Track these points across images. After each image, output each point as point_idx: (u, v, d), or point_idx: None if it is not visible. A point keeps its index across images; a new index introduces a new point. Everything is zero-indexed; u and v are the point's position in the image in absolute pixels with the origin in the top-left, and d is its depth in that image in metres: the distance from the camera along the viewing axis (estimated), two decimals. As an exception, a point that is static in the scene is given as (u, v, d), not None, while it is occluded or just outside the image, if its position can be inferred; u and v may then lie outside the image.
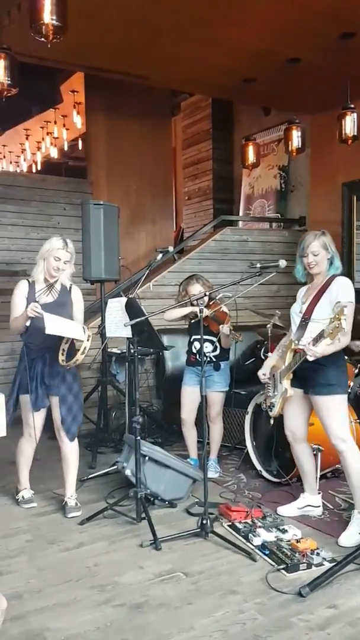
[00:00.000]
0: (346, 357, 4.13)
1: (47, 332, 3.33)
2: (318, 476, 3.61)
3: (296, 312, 3.34)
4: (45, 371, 3.55)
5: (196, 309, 3.93)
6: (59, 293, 3.56)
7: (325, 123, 6.00)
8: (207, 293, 3.64)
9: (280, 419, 3.56)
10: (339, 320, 2.81)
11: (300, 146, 5.50)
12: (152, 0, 4.01)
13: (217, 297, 3.85)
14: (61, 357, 3.52)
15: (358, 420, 4.15)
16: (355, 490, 3.19)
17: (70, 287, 3.65)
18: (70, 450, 3.65)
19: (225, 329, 3.94)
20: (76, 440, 3.67)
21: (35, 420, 3.57)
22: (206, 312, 3.89)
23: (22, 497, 3.76)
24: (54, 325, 3.39)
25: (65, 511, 3.58)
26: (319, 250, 3.22)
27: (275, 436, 4.11)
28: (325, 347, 3.03)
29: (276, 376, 3.43)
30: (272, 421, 3.61)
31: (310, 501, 3.55)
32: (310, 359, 3.06)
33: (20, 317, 3.48)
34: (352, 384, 4.21)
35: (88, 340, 3.49)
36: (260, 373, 3.57)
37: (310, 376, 3.22)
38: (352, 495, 3.24)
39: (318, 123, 6.47)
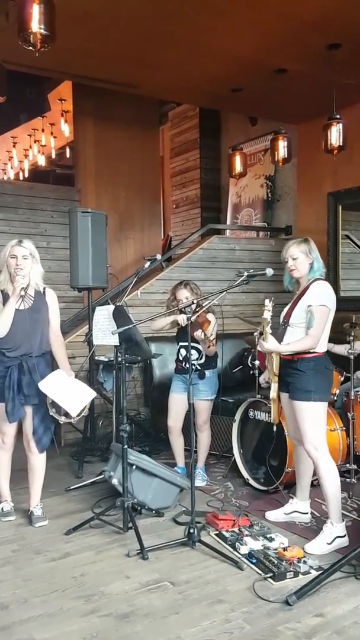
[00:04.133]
0: (332, 366, 4.18)
1: (41, 387, 3.40)
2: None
3: (281, 317, 3.42)
4: (23, 380, 3.45)
5: (179, 317, 3.97)
6: (33, 298, 3.51)
7: (312, 133, 6.06)
8: (195, 300, 3.65)
9: (271, 426, 3.59)
10: (264, 312, 3.07)
11: (286, 156, 5.54)
12: (141, 10, 4.04)
13: (204, 305, 3.85)
14: (52, 410, 3.54)
15: (344, 428, 4.17)
16: (328, 500, 3.21)
17: (44, 291, 3.59)
18: (39, 461, 3.59)
19: (198, 333, 3.92)
20: (44, 452, 3.61)
21: (8, 428, 3.53)
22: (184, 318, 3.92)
23: (2, 509, 3.71)
24: (53, 386, 3.45)
25: (32, 521, 3.55)
26: (297, 254, 3.30)
27: (263, 444, 4.12)
28: (283, 347, 3.21)
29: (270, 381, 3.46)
30: (274, 428, 3.67)
31: (298, 507, 3.56)
32: (259, 348, 3.24)
33: (4, 313, 3.38)
34: (337, 391, 4.23)
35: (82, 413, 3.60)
36: (261, 378, 3.75)
37: (291, 381, 3.28)
38: (326, 504, 3.26)
39: (304, 133, 6.53)
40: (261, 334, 3.30)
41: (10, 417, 3.44)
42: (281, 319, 3.40)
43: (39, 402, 3.50)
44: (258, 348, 3.26)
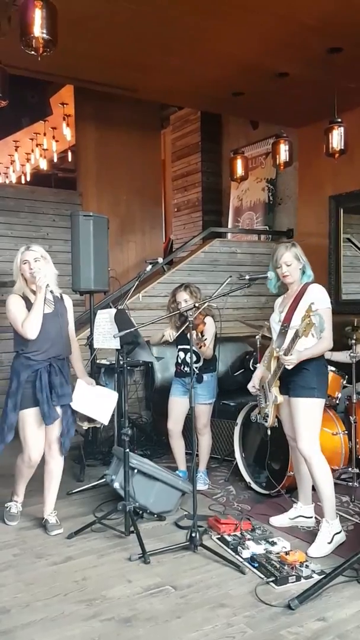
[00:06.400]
0: (333, 368, 4.17)
1: (73, 405, 3.45)
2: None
3: (275, 321, 3.42)
4: (54, 381, 3.39)
5: (166, 333, 4.08)
6: (54, 303, 3.50)
7: (313, 136, 6.08)
8: (196, 304, 3.65)
9: (275, 429, 3.57)
10: (309, 317, 2.96)
11: (287, 160, 5.55)
12: (141, 13, 4.05)
13: (202, 307, 3.85)
14: (81, 423, 3.63)
15: (346, 432, 4.16)
16: (322, 498, 3.22)
17: (61, 296, 3.60)
18: (59, 465, 3.57)
19: (192, 333, 3.91)
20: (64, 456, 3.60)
21: (38, 438, 3.42)
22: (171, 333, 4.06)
23: (9, 509, 3.70)
24: (81, 401, 3.51)
25: (48, 529, 3.50)
26: (291, 260, 3.32)
27: (265, 448, 4.11)
28: (303, 353, 3.16)
29: (265, 386, 3.45)
30: (269, 432, 3.59)
31: (303, 512, 3.55)
32: (289, 367, 3.16)
33: (33, 312, 3.32)
34: (339, 395, 4.22)
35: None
36: (249, 386, 3.62)
37: (292, 380, 3.28)
38: (321, 503, 3.26)
39: (305, 136, 6.55)
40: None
41: (47, 419, 3.35)
42: (275, 322, 3.42)
43: (67, 404, 3.47)
44: (286, 366, 3.16)
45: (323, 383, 3.31)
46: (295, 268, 3.34)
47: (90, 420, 3.65)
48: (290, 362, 3.14)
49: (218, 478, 4.48)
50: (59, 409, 3.44)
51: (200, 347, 3.99)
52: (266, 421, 3.44)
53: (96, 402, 3.58)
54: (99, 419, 3.60)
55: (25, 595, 2.79)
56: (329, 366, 4.13)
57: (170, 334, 4.08)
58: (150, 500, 3.64)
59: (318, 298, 3.22)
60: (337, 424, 4.17)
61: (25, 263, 3.42)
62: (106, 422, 3.65)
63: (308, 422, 3.23)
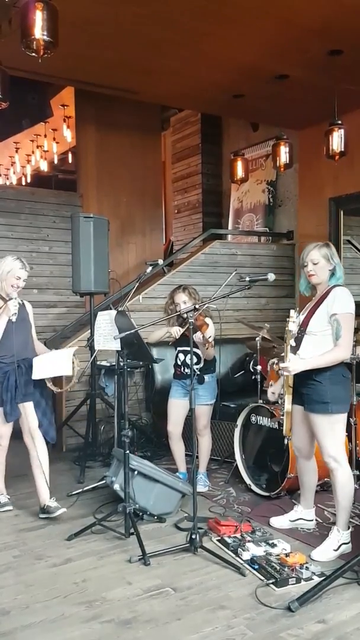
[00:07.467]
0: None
1: (34, 377, 3.65)
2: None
3: (296, 325, 3.26)
4: (20, 380, 3.65)
5: (173, 329, 4.06)
6: (18, 310, 3.71)
7: (313, 138, 6.08)
8: (197, 306, 3.65)
9: (274, 431, 3.57)
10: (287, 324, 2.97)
11: (287, 162, 5.55)
12: (142, 16, 4.06)
13: (201, 308, 3.86)
14: (54, 388, 3.83)
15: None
16: (339, 508, 3.16)
17: (23, 303, 3.87)
18: (43, 450, 3.73)
19: (198, 335, 3.91)
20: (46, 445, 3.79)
21: (5, 430, 3.75)
22: (177, 330, 4.05)
23: None
24: (41, 369, 3.69)
25: (50, 512, 3.64)
26: (318, 259, 3.14)
27: (265, 450, 4.11)
28: (309, 361, 3.05)
29: (283, 393, 3.38)
30: (286, 441, 3.63)
31: (303, 515, 3.54)
32: (285, 374, 3.11)
33: None
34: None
35: (75, 369, 3.81)
36: (269, 391, 3.68)
37: (306, 392, 3.15)
38: (336, 512, 3.23)
39: (306, 138, 6.55)
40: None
41: (7, 417, 3.67)
42: (298, 327, 3.23)
43: (38, 396, 3.74)
44: (285, 373, 3.08)
45: (339, 395, 3.09)
46: (322, 268, 3.14)
47: (54, 383, 3.86)
48: (286, 370, 3.06)
49: (218, 480, 4.48)
50: (28, 405, 3.69)
51: (207, 349, 3.98)
52: (282, 427, 3.39)
53: (53, 363, 3.76)
54: (61, 373, 3.79)
55: (25, 597, 2.79)
56: None
57: (177, 330, 4.04)
58: (150, 502, 3.64)
59: (338, 302, 3.05)
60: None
61: (17, 279, 3.70)
62: (69, 373, 3.80)
63: (328, 437, 3.10)
